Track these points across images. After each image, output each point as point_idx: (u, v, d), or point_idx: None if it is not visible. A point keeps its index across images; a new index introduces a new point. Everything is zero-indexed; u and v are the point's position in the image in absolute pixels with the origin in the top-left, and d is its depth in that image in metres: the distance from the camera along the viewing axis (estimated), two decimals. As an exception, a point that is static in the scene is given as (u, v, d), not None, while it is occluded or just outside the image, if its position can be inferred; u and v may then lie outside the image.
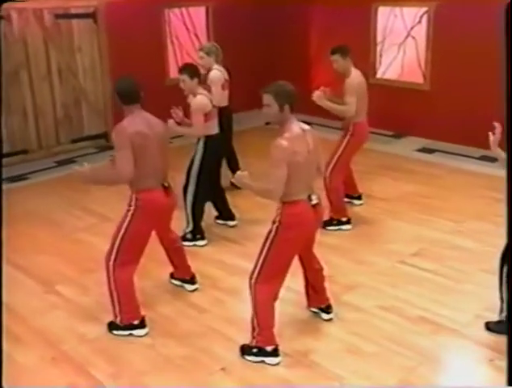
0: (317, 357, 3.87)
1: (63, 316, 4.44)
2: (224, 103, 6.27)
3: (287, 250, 3.74)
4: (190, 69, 5.23)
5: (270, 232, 3.71)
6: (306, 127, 3.69)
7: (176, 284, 4.81)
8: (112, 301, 4.15)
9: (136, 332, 4.16)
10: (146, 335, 4.16)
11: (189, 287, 4.76)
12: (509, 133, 3.75)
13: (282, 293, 4.54)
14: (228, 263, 5.16)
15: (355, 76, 5.55)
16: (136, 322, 4.16)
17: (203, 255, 5.29)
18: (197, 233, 5.51)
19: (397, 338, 4.04)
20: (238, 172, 3.74)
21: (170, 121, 4.67)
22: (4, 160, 7.50)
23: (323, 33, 9.31)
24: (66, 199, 6.67)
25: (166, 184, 4.14)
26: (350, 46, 8.82)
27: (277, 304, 3.98)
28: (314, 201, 3.72)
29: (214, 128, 5.46)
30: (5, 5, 7.09)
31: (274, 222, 3.69)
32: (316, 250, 4.20)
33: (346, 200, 5.99)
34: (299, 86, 8.99)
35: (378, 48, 8.80)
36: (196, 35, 9.35)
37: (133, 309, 4.17)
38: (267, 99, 3.55)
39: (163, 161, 4.08)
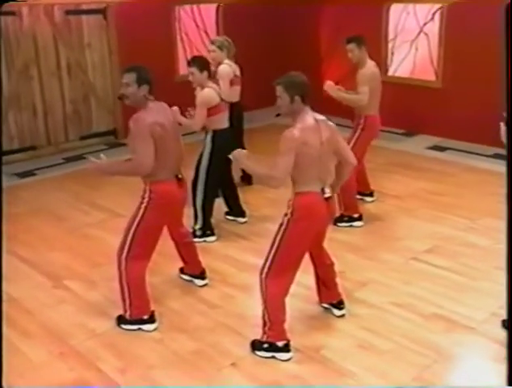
0: (329, 353, 3.79)
1: (71, 311, 4.38)
2: (235, 98, 6.15)
3: (299, 243, 3.67)
4: (199, 62, 5.17)
5: (281, 225, 3.65)
6: (321, 117, 3.63)
7: (185, 280, 4.75)
8: (123, 295, 4.09)
9: (145, 327, 4.10)
10: (155, 330, 4.10)
11: (199, 282, 4.70)
12: (510, 134, 3.68)
13: (292, 288, 4.47)
14: (238, 258, 5.09)
15: (370, 66, 5.51)
16: (145, 317, 4.11)
17: (212, 251, 5.22)
18: (207, 229, 5.44)
19: (411, 335, 3.95)
20: (237, 149, 3.70)
21: (175, 108, 4.62)
22: (13, 156, 7.52)
23: (334, 31, 9.24)
24: (75, 194, 6.63)
25: (180, 176, 4.08)
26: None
27: (288, 299, 3.91)
28: (327, 194, 3.65)
29: (222, 123, 5.37)
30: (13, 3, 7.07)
31: (285, 215, 3.63)
32: (328, 246, 4.13)
33: (357, 197, 5.90)
34: (309, 85, 8.83)
35: (390, 46, 8.72)
36: (206, 33, 9.30)
37: (143, 304, 4.11)
38: (278, 90, 3.53)
39: (178, 151, 4.02)
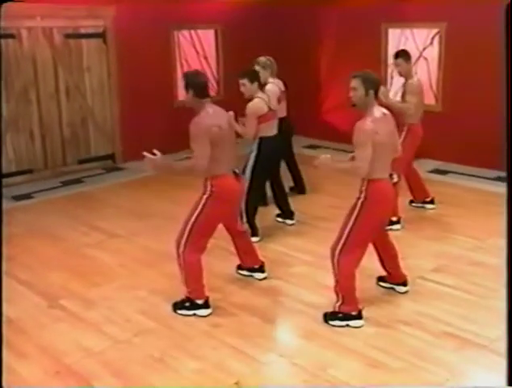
0: (337, 372, 3.63)
1: (67, 330, 4.22)
2: (283, 114, 6.35)
3: (371, 223, 4.02)
4: (250, 74, 5.41)
5: (355, 207, 3.99)
6: (386, 112, 4.01)
7: (244, 275, 4.90)
8: (184, 279, 4.30)
9: (199, 312, 4.29)
10: (209, 315, 4.29)
11: (258, 276, 4.83)
12: (509, 135, 3.58)
13: (300, 307, 4.39)
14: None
15: (416, 79, 6.00)
16: (200, 302, 4.29)
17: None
18: (250, 230, 5.50)
19: (422, 353, 3.80)
20: (322, 156, 4.03)
21: (231, 113, 4.61)
22: (10, 179, 7.40)
23: (333, 57, 9.27)
24: (72, 216, 6.50)
25: (237, 171, 4.36)
26: (361, 68, 8.92)
27: (295, 318, 4.08)
28: (395, 179, 4.11)
29: (270, 130, 5.58)
30: (15, 22, 7.06)
31: (359, 198, 3.98)
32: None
33: (418, 205, 6.43)
34: (308, 109, 8.93)
35: (389, 70, 8.72)
36: (206, 58, 9.30)
37: (199, 289, 4.30)
38: (355, 82, 3.88)
39: (233, 149, 4.30)
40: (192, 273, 4.29)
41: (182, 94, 8.93)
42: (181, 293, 4.39)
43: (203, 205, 4.21)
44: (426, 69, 8.33)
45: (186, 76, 4.21)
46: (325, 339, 3.98)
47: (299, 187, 7.06)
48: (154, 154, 4.26)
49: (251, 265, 4.89)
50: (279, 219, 6.19)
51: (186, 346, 3.95)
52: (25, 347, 3.99)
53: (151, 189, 7.40)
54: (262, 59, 6.33)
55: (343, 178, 7.34)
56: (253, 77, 5.40)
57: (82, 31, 7.87)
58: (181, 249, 4.24)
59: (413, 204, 6.50)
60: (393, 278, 4.60)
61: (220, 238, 5.75)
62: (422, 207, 6.44)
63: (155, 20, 8.45)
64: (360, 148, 3.83)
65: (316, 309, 4.33)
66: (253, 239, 5.40)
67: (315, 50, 9.58)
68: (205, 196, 4.22)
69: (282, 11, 9.66)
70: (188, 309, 4.33)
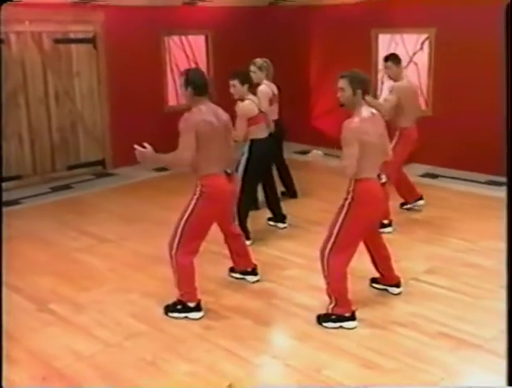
0: (331, 373, 3.58)
1: (57, 334, 4.14)
2: (274, 116, 6.36)
3: (360, 223, 3.98)
4: (241, 75, 5.41)
5: (342, 207, 3.96)
6: (375, 112, 4.00)
7: (237, 278, 4.87)
8: (176, 282, 4.25)
9: (191, 315, 4.23)
10: (201, 318, 4.23)
11: (251, 278, 4.79)
12: (509, 134, 3.59)
13: (292, 308, 4.34)
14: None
15: (405, 82, 6.02)
16: (192, 305, 4.24)
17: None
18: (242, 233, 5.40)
19: (416, 353, 3.76)
20: (314, 151, 4.14)
21: None
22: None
23: (323, 62, 9.28)
24: (62, 221, 6.41)
25: (229, 171, 4.28)
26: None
27: (288, 320, 4.05)
28: (383, 180, 4.01)
29: (261, 133, 5.58)
30: (3, 26, 7.00)
31: (346, 199, 3.95)
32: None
33: (409, 206, 6.43)
34: (298, 114, 8.86)
35: (379, 76, 8.74)
36: (196, 64, 9.26)
37: (191, 291, 4.25)
38: (343, 83, 3.91)
39: (227, 149, 4.27)
40: (184, 276, 4.24)
41: (172, 98, 9.05)
42: (172, 295, 4.33)
43: (194, 206, 4.15)
44: (416, 74, 8.34)
45: (186, 73, 4.20)
46: (318, 341, 3.93)
47: (290, 192, 7.03)
48: (144, 147, 4.24)
49: (244, 268, 4.84)
50: (271, 222, 6.15)
51: (179, 349, 3.89)
52: (14, 352, 3.90)
53: (141, 195, 7.34)
54: (258, 60, 6.39)
55: (334, 182, 7.31)
56: (245, 78, 5.40)
57: (72, 36, 7.82)
58: (173, 251, 4.18)
59: (404, 207, 6.48)
60: (386, 279, 4.57)
61: (212, 241, 5.71)
62: (414, 207, 6.43)
63: (145, 25, 8.42)
64: (346, 146, 3.82)
65: (309, 312, 4.29)
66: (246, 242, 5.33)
67: (305, 56, 9.59)
68: (195, 197, 4.17)
69: (272, 17, 9.67)
70: (180, 311, 4.27)
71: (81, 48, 7.94)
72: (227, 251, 5.06)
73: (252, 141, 5.53)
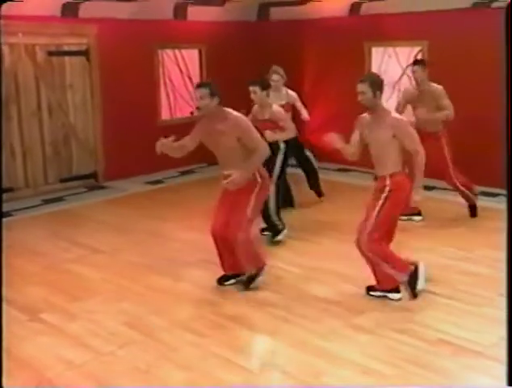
0: (330, 379, 3.51)
1: (48, 343, 4.04)
2: None
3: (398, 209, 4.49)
4: (261, 82, 5.74)
5: (379, 198, 4.35)
6: None
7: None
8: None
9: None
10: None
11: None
12: (509, 135, 3.55)
13: (285, 316, 4.27)
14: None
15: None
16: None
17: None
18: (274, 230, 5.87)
19: (416, 359, 3.69)
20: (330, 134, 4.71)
21: None
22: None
23: (317, 74, 9.29)
24: (53, 232, 6.33)
25: None
26: (345, 87, 8.94)
27: (284, 329, 3.95)
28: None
29: (292, 132, 6.04)
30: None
31: (383, 192, 4.34)
32: (324, 278, 4.43)
33: (405, 218, 6.16)
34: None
35: (373, 89, 8.74)
36: (190, 78, 9.27)
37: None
38: (363, 87, 4.24)
39: None
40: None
41: (165, 112, 9.02)
42: (168, 305, 4.25)
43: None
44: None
45: (212, 85, 4.52)
46: (316, 349, 3.86)
47: (288, 201, 6.95)
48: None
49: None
50: (265, 233, 6.05)
51: (173, 357, 3.80)
52: (5, 362, 3.80)
53: (134, 206, 7.28)
54: (279, 68, 6.76)
55: (329, 194, 7.35)
56: (265, 85, 5.74)
57: (65, 48, 7.81)
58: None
59: (401, 218, 6.42)
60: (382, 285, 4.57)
61: (206, 251, 5.69)
62: (410, 219, 6.37)
63: (139, 39, 8.42)
64: (414, 136, 4.32)
65: (306, 320, 4.23)
66: (279, 237, 5.82)
67: (299, 70, 9.58)
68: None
69: (265, 31, 9.70)
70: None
71: (75, 61, 7.92)
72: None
73: (286, 142, 5.90)
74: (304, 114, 7.03)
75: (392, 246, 5.42)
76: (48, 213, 7.03)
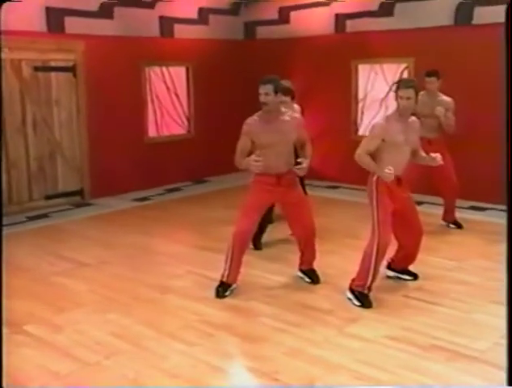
0: (323, 386, 3.41)
1: (33, 355, 3.91)
2: None
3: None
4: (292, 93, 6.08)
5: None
6: None
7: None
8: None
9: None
10: None
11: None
12: (509, 136, 3.54)
13: (275, 325, 4.19)
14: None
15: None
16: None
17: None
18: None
19: (411, 365, 3.62)
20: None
21: None
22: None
23: (304, 91, 9.29)
24: (38, 247, 6.20)
25: None
26: (332, 104, 8.99)
27: (277, 336, 3.88)
28: None
29: None
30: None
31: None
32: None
33: None
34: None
35: (360, 105, 8.79)
36: (177, 95, 9.25)
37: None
38: (412, 92, 4.41)
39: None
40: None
41: (152, 129, 8.96)
42: (155, 315, 4.14)
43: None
44: (396, 103, 8.40)
45: (278, 81, 4.72)
46: (308, 356, 3.77)
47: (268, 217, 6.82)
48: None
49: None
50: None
51: (162, 365, 3.69)
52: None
53: (120, 223, 7.17)
54: (287, 82, 6.63)
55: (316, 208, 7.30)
56: (293, 95, 6.10)
57: (52, 64, 7.75)
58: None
59: (442, 223, 6.69)
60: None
61: (193, 263, 5.62)
62: (448, 226, 6.59)
63: (126, 56, 8.40)
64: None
65: (297, 328, 4.16)
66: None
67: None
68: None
69: (252, 50, 9.75)
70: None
71: (61, 77, 7.86)
72: (210, 273, 4.97)
73: None
74: None
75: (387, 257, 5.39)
76: (32, 229, 6.90)
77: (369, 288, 4.51)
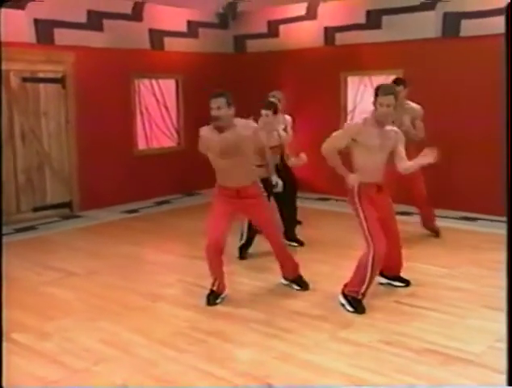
0: (318, 390, 3.36)
1: (19, 362, 3.81)
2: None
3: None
4: (274, 106, 5.95)
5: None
6: None
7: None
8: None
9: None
10: None
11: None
12: (509, 137, 3.54)
13: (272, 331, 4.14)
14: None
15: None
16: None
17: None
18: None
19: (405, 369, 3.57)
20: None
21: None
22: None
23: (294, 104, 9.32)
24: (26, 258, 6.10)
25: None
26: (322, 116, 9.00)
27: (268, 342, 3.85)
28: None
29: None
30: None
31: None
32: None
33: None
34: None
35: (349, 117, 8.81)
36: (166, 107, 9.24)
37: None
38: (392, 99, 4.35)
39: None
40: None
41: (142, 142, 8.93)
42: (146, 323, 4.07)
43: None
44: (386, 115, 8.43)
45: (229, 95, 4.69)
46: (301, 361, 3.71)
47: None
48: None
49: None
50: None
51: (152, 372, 3.62)
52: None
53: (109, 234, 7.10)
54: (278, 93, 6.82)
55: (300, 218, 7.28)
56: (276, 110, 5.95)
57: (41, 75, 7.71)
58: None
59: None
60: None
61: (183, 272, 5.56)
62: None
63: (116, 68, 8.39)
64: None
65: (288, 334, 4.10)
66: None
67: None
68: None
69: (241, 63, 9.77)
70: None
71: (50, 88, 7.82)
72: (201, 282, 4.92)
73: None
74: (287, 136, 6.75)
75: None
76: (19, 241, 6.80)
77: (363, 295, 4.46)
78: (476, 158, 7.61)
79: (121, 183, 8.66)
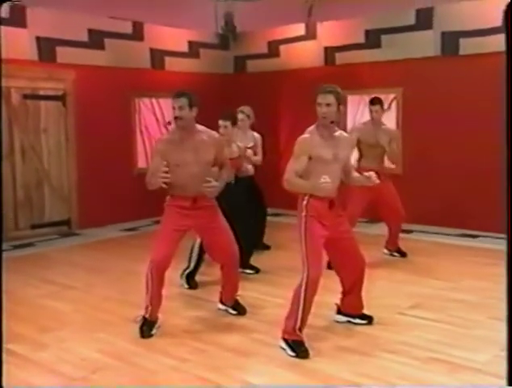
0: (322, 397, 3.28)
1: (15, 372, 3.70)
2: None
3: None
4: (233, 118, 5.75)
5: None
6: None
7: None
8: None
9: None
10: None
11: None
12: (509, 139, 3.53)
13: (270, 340, 4.07)
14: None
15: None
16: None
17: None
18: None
19: (410, 377, 3.50)
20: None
21: None
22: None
23: (294, 123, 9.35)
24: (24, 273, 6.01)
25: None
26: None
27: (269, 349, 3.82)
28: None
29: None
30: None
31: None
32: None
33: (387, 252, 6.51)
34: (268, 178, 8.71)
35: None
36: (165, 127, 9.23)
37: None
38: (331, 98, 3.85)
39: None
40: None
41: (142, 161, 8.91)
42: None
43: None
44: (385, 133, 8.44)
45: (192, 95, 4.42)
46: (304, 369, 3.64)
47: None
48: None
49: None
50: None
51: (151, 380, 3.54)
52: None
53: (108, 250, 7.03)
54: (246, 108, 6.60)
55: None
56: (235, 121, 5.70)
57: (41, 92, 7.73)
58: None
59: (385, 251, 6.48)
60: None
61: (182, 286, 5.48)
62: (392, 254, 6.44)
63: (116, 86, 8.40)
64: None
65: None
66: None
67: (276, 119, 9.66)
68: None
69: (240, 83, 9.80)
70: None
71: (50, 105, 7.83)
72: (201, 295, 4.86)
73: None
74: (259, 158, 6.54)
75: (378, 279, 5.33)
76: (17, 257, 6.71)
77: (300, 330, 3.85)
78: (478, 176, 7.59)
79: (120, 201, 8.60)
